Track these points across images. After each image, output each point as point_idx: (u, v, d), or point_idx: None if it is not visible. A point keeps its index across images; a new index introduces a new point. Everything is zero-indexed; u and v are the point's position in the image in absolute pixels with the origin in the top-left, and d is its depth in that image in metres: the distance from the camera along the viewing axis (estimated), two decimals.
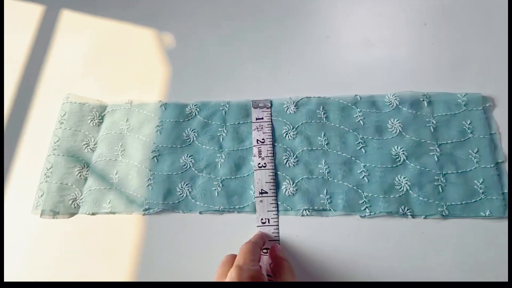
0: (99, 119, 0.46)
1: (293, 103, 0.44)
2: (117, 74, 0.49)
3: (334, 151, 0.41)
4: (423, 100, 0.42)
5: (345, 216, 0.39)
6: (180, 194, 0.41)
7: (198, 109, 0.45)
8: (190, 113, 0.45)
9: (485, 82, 0.42)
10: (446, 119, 0.41)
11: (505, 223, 0.36)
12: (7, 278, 0.40)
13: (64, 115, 0.46)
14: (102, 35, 0.53)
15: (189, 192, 0.41)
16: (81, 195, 0.42)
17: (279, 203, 0.40)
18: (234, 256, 0.33)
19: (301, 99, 0.44)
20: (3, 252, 0.40)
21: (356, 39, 0.47)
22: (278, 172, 0.41)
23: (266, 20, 0.50)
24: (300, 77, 0.46)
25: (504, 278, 0.34)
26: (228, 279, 0.30)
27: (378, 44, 0.47)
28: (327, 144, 0.41)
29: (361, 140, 0.41)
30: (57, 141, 0.44)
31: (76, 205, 0.42)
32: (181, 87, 0.47)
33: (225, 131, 0.44)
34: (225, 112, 0.45)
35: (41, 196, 0.42)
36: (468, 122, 0.40)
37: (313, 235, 0.38)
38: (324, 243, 0.38)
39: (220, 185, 0.41)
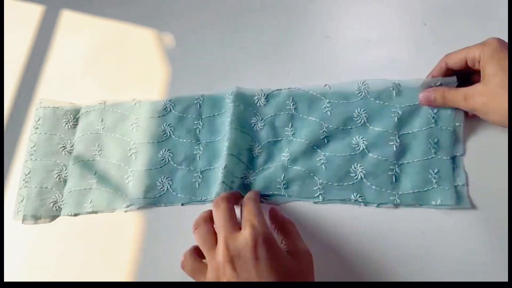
0: (73, 122, 0.46)
1: (264, 95, 0.44)
2: (117, 74, 0.50)
3: (298, 140, 0.41)
4: (393, 89, 0.41)
5: (300, 202, 0.39)
6: (161, 188, 0.42)
7: (172, 104, 0.45)
8: (165, 109, 0.45)
9: None
10: (412, 109, 0.40)
11: (505, 223, 0.36)
12: (7, 278, 0.40)
13: (38, 120, 0.46)
14: (102, 35, 0.53)
15: (170, 186, 0.41)
16: (61, 197, 0.42)
17: (239, 191, 0.39)
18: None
19: (272, 91, 0.44)
20: (3, 252, 0.40)
21: (356, 39, 0.47)
22: (242, 161, 0.41)
23: (266, 20, 0.50)
24: (300, 77, 0.46)
25: (504, 278, 0.34)
26: (242, 238, 0.29)
27: (378, 44, 0.46)
28: (293, 134, 0.41)
29: (326, 130, 0.41)
30: (33, 146, 0.44)
31: (57, 207, 0.42)
32: (181, 87, 0.47)
33: (201, 124, 0.44)
34: (199, 105, 0.45)
35: (21, 201, 0.42)
36: (434, 112, 0.39)
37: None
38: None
39: (201, 176, 0.41)
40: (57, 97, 0.48)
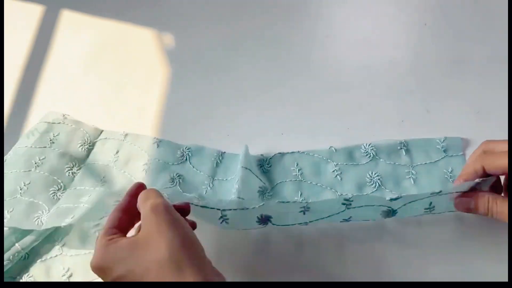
0: (89, 145, 0.45)
1: (266, 160, 0.41)
2: (117, 74, 0.50)
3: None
4: (401, 149, 0.39)
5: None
6: None
7: (190, 154, 0.42)
8: (182, 156, 0.42)
9: (485, 80, 0.42)
10: (426, 168, 0.38)
11: (505, 223, 0.36)
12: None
13: (57, 135, 0.45)
14: (102, 35, 0.53)
15: None
16: (47, 212, 0.40)
17: None
18: None
19: (273, 155, 0.41)
20: (3, 251, 0.40)
21: (356, 39, 0.47)
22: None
23: (267, 20, 0.51)
24: (300, 76, 0.46)
25: (504, 278, 0.34)
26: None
27: (378, 44, 0.47)
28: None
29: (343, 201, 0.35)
30: (43, 158, 0.43)
31: (40, 222, 0.39)
32: (180, 88, 0.47)
33: (211, 185, 0.40)
34: (216, 163, 0.42)
35: (11, 211, 0.40)
36: (449, 170, 0.38)
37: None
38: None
39: None
40: (57, 96, 0.48)
